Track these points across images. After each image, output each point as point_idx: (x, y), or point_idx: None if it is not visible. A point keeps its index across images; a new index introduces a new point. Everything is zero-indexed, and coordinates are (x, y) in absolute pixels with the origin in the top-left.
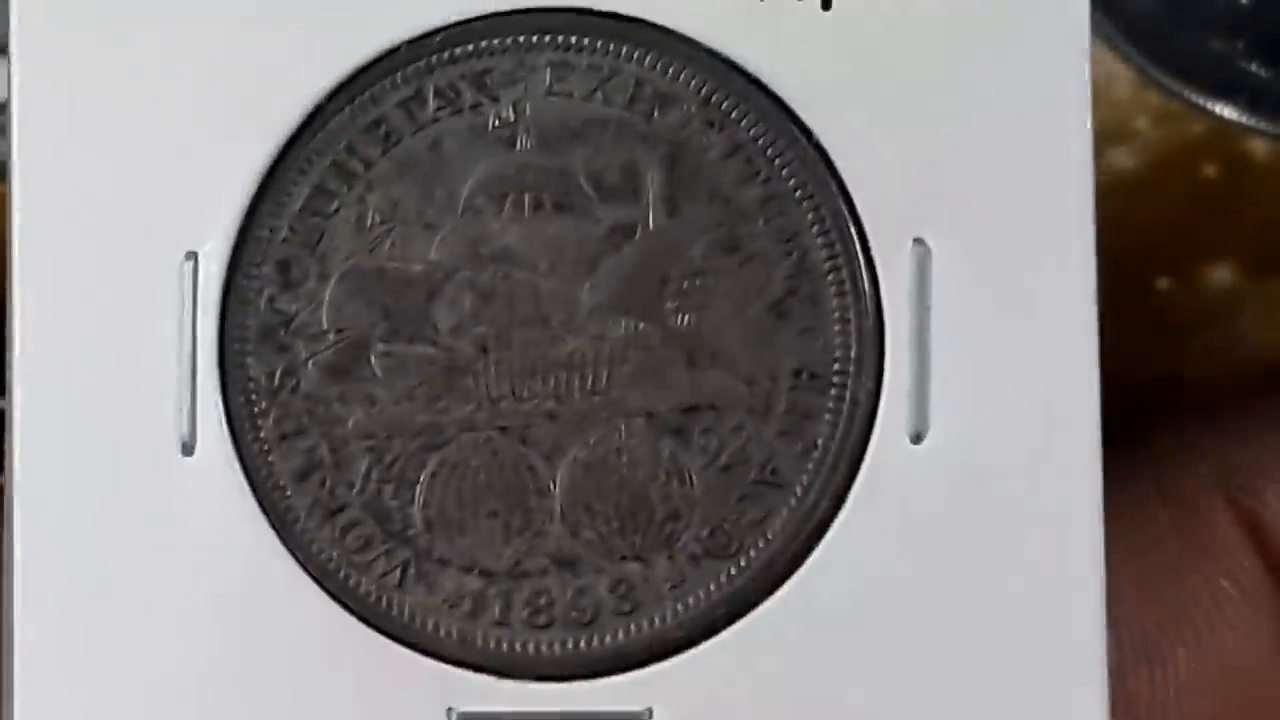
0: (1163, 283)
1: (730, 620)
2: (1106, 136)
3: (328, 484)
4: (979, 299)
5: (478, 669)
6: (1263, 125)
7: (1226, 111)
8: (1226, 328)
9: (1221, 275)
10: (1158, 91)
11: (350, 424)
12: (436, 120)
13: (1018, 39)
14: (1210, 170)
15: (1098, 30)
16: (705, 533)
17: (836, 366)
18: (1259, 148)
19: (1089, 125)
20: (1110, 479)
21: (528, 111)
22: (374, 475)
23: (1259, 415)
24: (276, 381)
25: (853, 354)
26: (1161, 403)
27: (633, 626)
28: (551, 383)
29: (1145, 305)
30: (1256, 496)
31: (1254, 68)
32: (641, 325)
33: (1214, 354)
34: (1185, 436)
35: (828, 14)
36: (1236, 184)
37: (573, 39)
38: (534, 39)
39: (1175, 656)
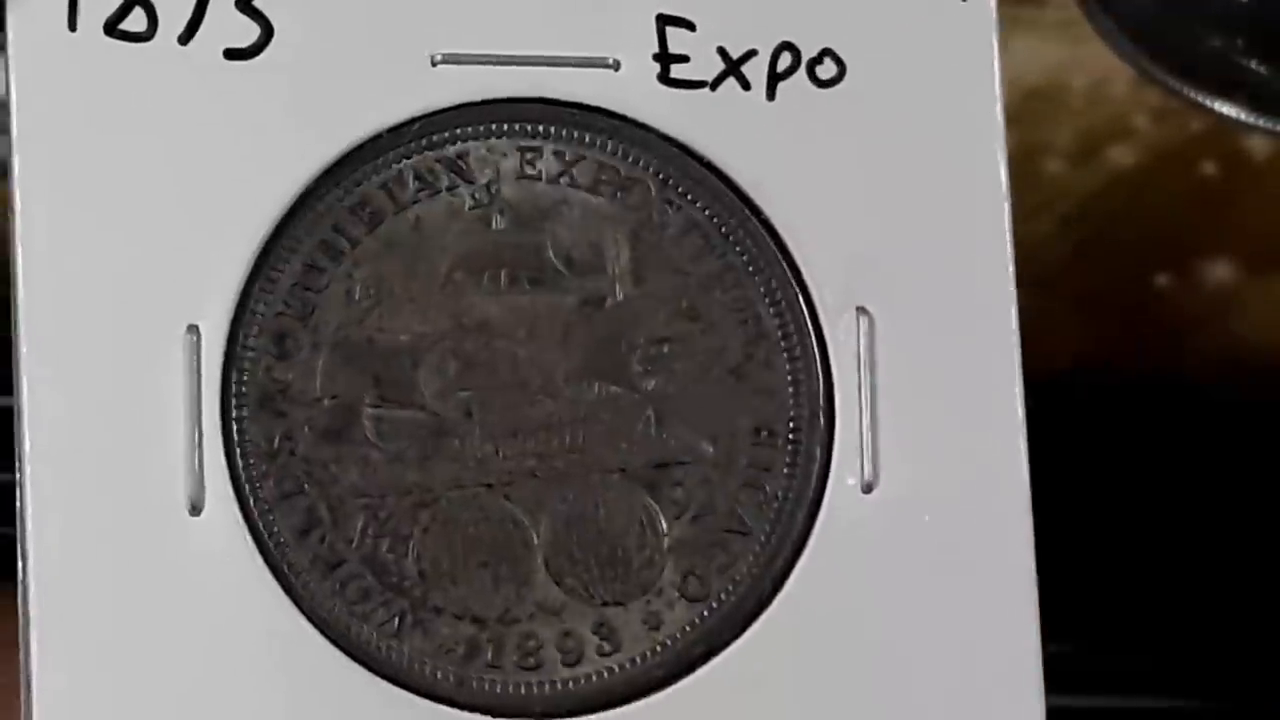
0: (1161, 279)
1: (706, 658)
2: (1106, 134)
3: (327, 540)
4: (918, 360)
5: (472, 709)
6: (1262, 123)
7: (1225, 109)
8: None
9: (1220, 272)
10: (1157, 89)
11: (346, 484)
12: (417, 201)
13: (941, 126)
14: (1209, 168)
15: (1098, 28)
16: (679, 578)
17: (791, 424)
18: (1258, 145)
19: (1007, 205)
20: None
21: (501, 193)
22: (370, 531)
23: None
24: (276, 445)
25: (806, 412)
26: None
27: (615, 666)
28: (531, 442)
29: (1144, 301)
30: None
31: (1253, 65)
32: (613, 388)
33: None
34: None
35: (772, 103)
36: (1235, 181)
37: (540, 126)
38: (505, 126)
39: None
